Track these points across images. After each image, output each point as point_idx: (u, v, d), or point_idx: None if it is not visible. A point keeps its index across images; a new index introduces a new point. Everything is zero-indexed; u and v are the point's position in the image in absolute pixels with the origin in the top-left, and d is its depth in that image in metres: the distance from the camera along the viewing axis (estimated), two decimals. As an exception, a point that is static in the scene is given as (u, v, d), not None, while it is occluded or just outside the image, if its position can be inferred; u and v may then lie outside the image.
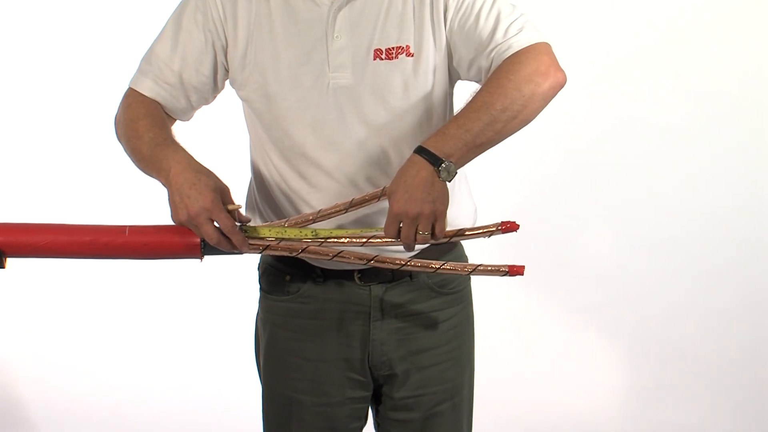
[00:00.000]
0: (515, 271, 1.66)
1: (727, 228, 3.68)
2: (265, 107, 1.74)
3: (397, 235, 1.59)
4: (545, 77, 1.64)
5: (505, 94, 1.61)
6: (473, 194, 1.93)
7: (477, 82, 1.76)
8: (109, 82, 3.60)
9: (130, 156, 1.73)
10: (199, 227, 1.59)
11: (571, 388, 3.61)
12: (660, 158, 3.68)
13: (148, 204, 3.30)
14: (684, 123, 3.66)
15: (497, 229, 1.63)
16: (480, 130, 1.60)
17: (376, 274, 1.79)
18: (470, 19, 1.70)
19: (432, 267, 1.69)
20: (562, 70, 1.67)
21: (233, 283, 3.50)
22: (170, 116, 1.80)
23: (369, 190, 1.71)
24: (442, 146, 1.58)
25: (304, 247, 1.64)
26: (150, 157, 1.66)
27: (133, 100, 1.76)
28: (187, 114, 1.82)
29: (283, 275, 1.84)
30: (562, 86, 1.68)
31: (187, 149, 1.68)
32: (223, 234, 1.60)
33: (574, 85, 3.59)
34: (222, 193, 1.61)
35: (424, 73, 1.73)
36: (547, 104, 1.67)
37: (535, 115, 1.66)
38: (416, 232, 1.57)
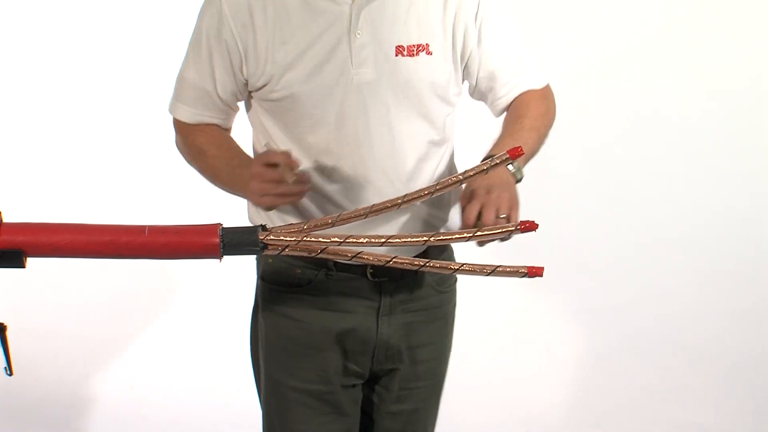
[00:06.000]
0: (534, 272, 1.66)
1: (744, 227, 3.66)
2: (290, 106, 1.78)
3: (476, 220, 1.66)
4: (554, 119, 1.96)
5: (546, 123, 1.90)
6: None
7: (483, 88, 1.90)
8: (119, 84, 3.65)
9: (208, 180, 1.87)
10: (259, 193, 1.69)
11: (589, 388, 3.60)
12: (676, 157, 3.67)
13: (167, 204, 3.32)
14: (700, 122, 3.65)
15: (516, 229, 1.62)
16: (531, 146, 1.85)
17: (388, 270, 1.80)
18: (496, 37, 1.85)
19: (451, 268, 1.69)
20: None
21: (253, 282, 3.50)
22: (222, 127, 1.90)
23: (387, 184, 1.78)
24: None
25: (323, 247, 1.63)
26: (230, 182, 1.81)
27: (187, 132, 1.87)
28: (231, 120, 1.91)
29: (292, 268, 1.86)
30: None
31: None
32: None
33: (590, 83, 3.61)
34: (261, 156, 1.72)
35: (442, 71, 1.80)
36: None
37: None
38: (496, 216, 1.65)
